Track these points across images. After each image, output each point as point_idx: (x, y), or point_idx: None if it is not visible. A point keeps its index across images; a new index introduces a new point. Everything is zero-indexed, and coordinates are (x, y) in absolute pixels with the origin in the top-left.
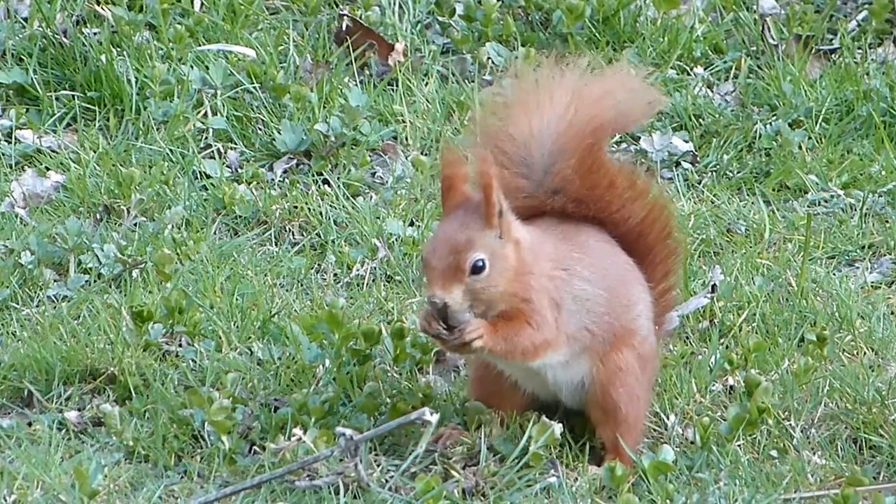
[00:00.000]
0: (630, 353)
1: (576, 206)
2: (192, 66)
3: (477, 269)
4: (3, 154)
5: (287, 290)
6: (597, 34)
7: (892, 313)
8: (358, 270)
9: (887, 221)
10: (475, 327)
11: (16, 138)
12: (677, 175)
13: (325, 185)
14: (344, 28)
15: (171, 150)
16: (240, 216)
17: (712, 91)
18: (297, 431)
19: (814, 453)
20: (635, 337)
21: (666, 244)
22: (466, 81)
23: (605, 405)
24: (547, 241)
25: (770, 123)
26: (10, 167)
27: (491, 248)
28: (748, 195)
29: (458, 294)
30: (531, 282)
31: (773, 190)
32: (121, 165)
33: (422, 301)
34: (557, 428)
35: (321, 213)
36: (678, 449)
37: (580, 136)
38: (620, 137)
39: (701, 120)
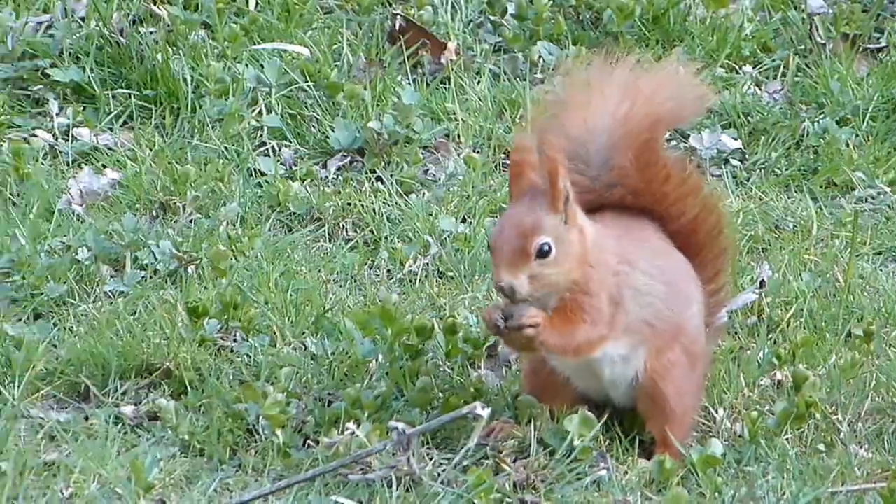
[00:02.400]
0: (681, 349)
1: (634, 198)
2: (246, 65)
3: (543, 253)
4: (61, 152)
5: (340, 286)
6: (646, 33)
7: None
8: (410, 266)
9: None
10: (534, 314)
11: (73, 136)
12: (726, 172)
13: (378, 183)
14: (397, 27)
15: (225, 148)
16: (294, 213)
17: (760, 89)
18: (351, 425)
19: (860, 447)
20: (688, 334)
21: (717, 243)
22: (518, 80)
23: (654, 398)
24: (610, 236)
25: (818, 121)
26: (68, 165)
27: (556, 232)
28: (796, 192)
29: (524, 278)
30: (593, 275)
31: (821, 187)
32: (176, 163)
33: (474, 297)
34: (593, 418)
35: (374, 210)
36: (727, 443)
37: (637, 131)
38: (670, 135)
39: (749, 118)
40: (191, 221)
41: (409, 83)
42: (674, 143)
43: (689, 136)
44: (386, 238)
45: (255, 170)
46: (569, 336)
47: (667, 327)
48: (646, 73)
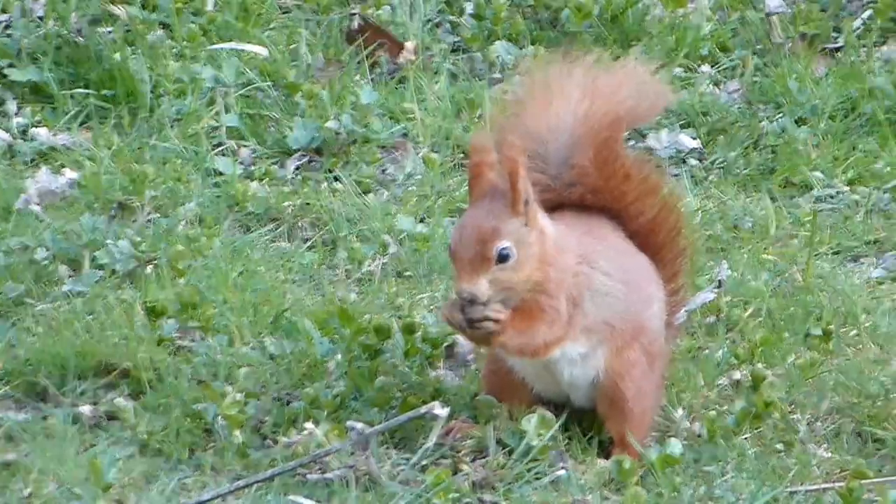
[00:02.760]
0: (640, 348)
1: (593, 197)
2: (205, 65)
3: (503, 258)
4: (19, 152)
5: (299, 286)
6: (605, 32)
7: None
8: (369, 266)
9: (892, 217)
10: (498, 308)
11: (31, 136)
12: (684, 172)
13: (337, 182)
14: (355, 27)
15: (184, 148)
16: (252, 212)
17: (719, 89)
18: (309, 425)
19: (819, 446)
20: (648, 334)
21: (676, 243)
22: (476, 79)
23: (614, 398)
24: (570, 236)
25: (776, 121)
26: (26, 164)
27: (517, 235)
28: (754, 191)
29: (485, 284)
30: (553, 275)
31: (779, 186)
32: (135, 163)
33: (432, 296)
34: (551, 417)
35: (332, 210)
36: (685, 442)
37: (597, 130)
38: (629, 134)
39: (708, 117)
40: (149, 221)
41: (368, 83)
42: (632, 142)
43: (647, 135)
44: (344, 237)
45: (213, 169)
46: (527, 337)
47: (627, 327)
48: (605, 72)
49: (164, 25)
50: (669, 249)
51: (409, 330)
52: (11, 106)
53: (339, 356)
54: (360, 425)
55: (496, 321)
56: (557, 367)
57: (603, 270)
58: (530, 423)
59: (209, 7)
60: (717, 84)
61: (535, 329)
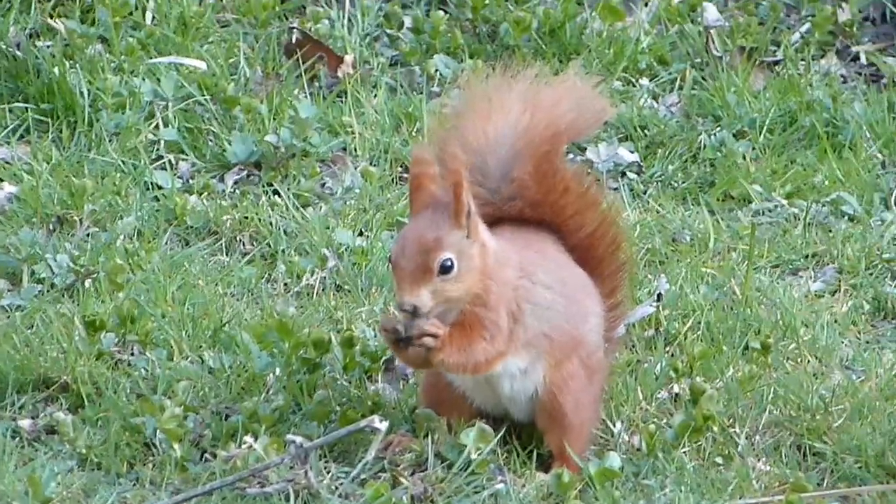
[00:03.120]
0: (579, 362)
1: (532, 211)
2: (143, 79)
3: (445, 269)
4: None
5: (238, 300)
6: (543, 46)
7: (836, 321)
8: (308, 280)
9: (830, 231)
10: (436, 323)
11: None
12: (623, 185)
13: (276, 196)
14: (294, 40)
15: (123, 162)
16: (191, 226)
17: (657, 102)
18: (248, 439)
19: (758, 460)
20: (586, 347)
21: (615, 257)
22: (415, 93)
23: (553, 412)
24: (511, 249)
25: (714, 134)
26: None
27: (459, 247)
28: (693, 205)
29: (427, 296)
30: (494, 289)
31: (718, 200)
32: (73, 177)
33: (371, 310)
34: (490, 431)
35: (271, 224)
36: (624, 456)
37: (537, 143)
38: (568, 148)
39: (646, 131)
40: (88, 235)
41: (306, 96)
42: (571, 155)
43: (585, 148)
44: (283, 251)
45: (152, 183)
46: (467, 353)
47: (565, 340)
48: (546, 86)
49: (103, 39)
50: (609, 264)
51: (347, 344)
52: None
53: (277, 370)
54: (299, 439)
55: (434, 336)
56: (498, 381)
57: (543, 284)
58: (469, 436)
59: (148, 21)
60: (655, 97)
61: (475, 345)
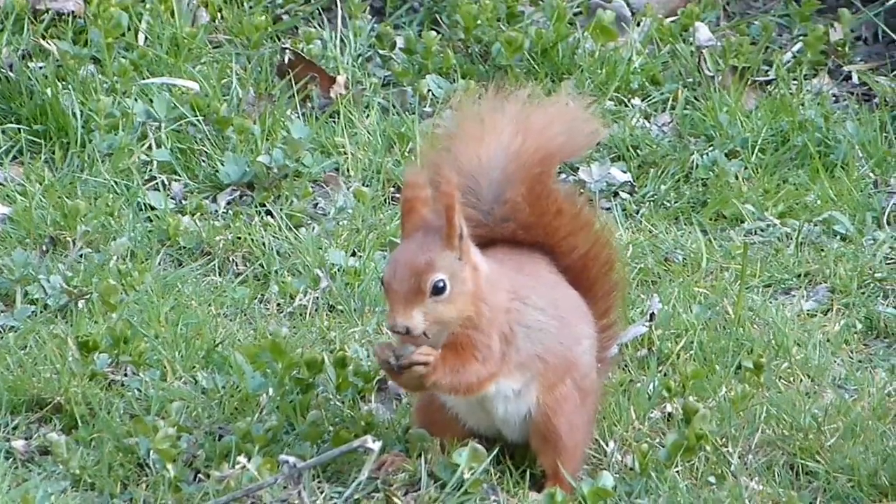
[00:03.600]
0: (572, 383)
1: (525, 233)
2: (136, 100)
3: (438, 290)
4: None
5: (231, 320)
6: (535, 66)
7: (828, 341)
8: (300, 300)
9: (822, 250)
10: (426, 352)
11: None
12: (615, 205)
13: (268, 216)
14: (286, 61)
15: (115, 183)
16: (184, 247)
17: (649, 122)
18: (241, 459)
19: (751, 479)
20: (579, 369)
21: (608, 278)
22: (407, 113)
23: (546, 433)
24: (503, 272)
25: (707, 154)
26: None
27: (451, 269)
28: (685, 224)
29: (420, 317)
30: (485, 311)
31: (710, 219)
32: (66, 198)
33: (364, 330)
34: (483, 451)
35: (264, 244)
36: (617, 475)
37: (529, 165)
38: (560, 168)
39: (638, 150)
40: (81, 256)
41: (299, 117)
42: (563, 175)
43: (578, 168)
44: (276, 272)
45: (144, 204)
46: (460, 375)
47: (559, 362)
48: (538, 108)
49: (96, 60)
50: (602, 285)
51: (340, 364)
52: None
53: (270, 390)
54: (292, 459)
55: (425, 364)
56: (492, 403)
57: (535, 306)
58: (462, 456)
59: (140, 42)
60: (647, 117)
61: (468, 367)
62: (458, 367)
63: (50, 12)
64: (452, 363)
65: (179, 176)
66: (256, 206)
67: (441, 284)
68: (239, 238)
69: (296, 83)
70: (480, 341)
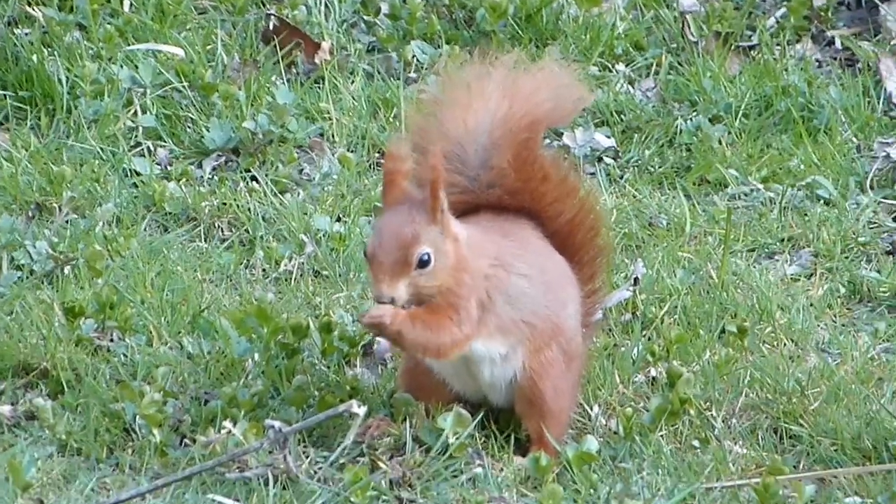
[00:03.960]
0: (558, 348)
1: (511, 198)
2: (121, 66)
3: (423, 263)
4: None
5: (216, 286)
6: (520, 31)
7: (812, 305)
8: (286, 266)
9: (806, 215)
10: (382, 311)
11: None
12: (599, 170)
13: (254, 182)
14: (271, 27)
15: (101, 149)
16: (169, 213)
17: (633, 87)
18: (227, 424)
19: (735, 443)
20: (565, 333)
21: (594, 244)
22: (392, 79)
23: (532, 398)
24: (486, 239)
25: (690, 119)
26: None
27: (435, 242)
28: (669, 189)
29: (404, 288)
30: (465, 279)
31: (694, 184)
32: (52, 164)
33: (349, 295)
34: (467, 415)
35: (249, 210)
36: (602, 439)
37: (516, 131)
38: (544, 134)
39: (622, 116)
40: (67, 222)
41: (284, 83)
42: (547, 141)
43: (562, 134)
44: (261, 237)
45: (130, 170)
46: (431, 334)
47: (545, 327)
48: (525, 74)
49: (81, 27)
50: (587, 250)
51: (326, 329)
52: None
53: (256, 355)
54: (277, 424)
55: (381, 324)
56: (478, 367)
57: (519, 272)
58: (447, 420)
59: (126, 8)
60: (631, 83)
61: (441, 328)
62: (432, 326)
63: None
64: (426, 322)
65: (165, 142)
66: (242, 172)
67: (426, 258)
68: (224, 204)
69: (281, 49)
70: (457, 305)
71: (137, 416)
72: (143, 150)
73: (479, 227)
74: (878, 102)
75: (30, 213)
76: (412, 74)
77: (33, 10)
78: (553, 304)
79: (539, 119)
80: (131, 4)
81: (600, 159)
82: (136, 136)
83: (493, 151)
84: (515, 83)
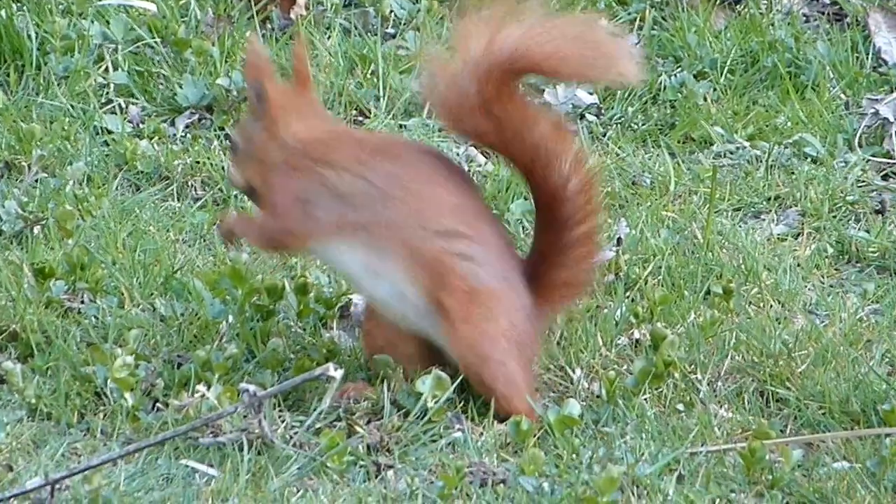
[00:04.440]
0: (461, 296)
1: (504, 147)
2: (92, 21)
3: (234, 149)
4: None
5: (189, 246)
6: None
7: (799, 265)
8: None
9: (793, 173)
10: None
11: None
12: (582, 128)
13: (227, 140)
14: None
15: (72, 106)
16: (142, 172)
17: None
18: (201, 388)
19: (720, 406)
20: (458, 277)
21: (587, 202)
22: (369, 35)
23: (473, 379)
24: (331, 143)
25: (675, 75)
26: None
27: (249, 134)
28: (653, 147)
29: (233, 171)
30: (284, 173)
31: (679, 142)
32: (21, 121)
33: None
34: (447, 378)
35: (223, 168)
36: (584, 403)
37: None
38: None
39: None
40: (36, 181)
41: (259, 39)
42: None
43: (543, 90)
44: (235, 197)
45: (101, 128)
46: (252, 226)
47: (410, 238)
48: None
49: None
50: (579, 209)
51: (301, 290)
52: None
53: (230, 318)
54: (252, 388)
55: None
56: (354, 282)
57: (357, 174)
58: (425, 384)
59: None
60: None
61: (261, 220)
62: (254, 220)
63: None
64: (251, 218)
65: (137, 99)
66: (215, 130)
67: (236, 144)
68: (197, 162)
69: (255, 4)
70: (273, 199)
71: (109, 380)
72: (114, 107)
73: (333, 133)
74: (867, 58)
75: None
76: (390, 30)
77: None
78: (415, 227)
79: (530, 58)
80: None
81: (582, 116)
82: (107, 94)
83: (480, 85)
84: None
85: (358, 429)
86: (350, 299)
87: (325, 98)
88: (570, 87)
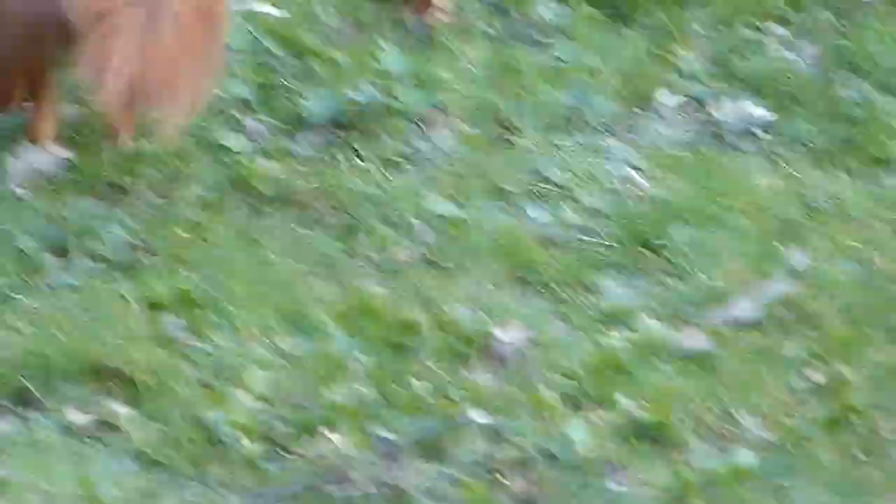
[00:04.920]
0: None
1: None
2: None
3: None
4: None
5: (315, 277)
6: None
7: None
8: (395, 254)
9: None
10: None
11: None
12: (752, 145)
13: (358, 159)
14: None
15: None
16: (263, 194)
17: (790, 52)
18: (328, 433)
19: None
20: None
21: None
22: (516, 43)
23: None
24: None
25: (856, 89)
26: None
27: None
28: (833, 168)
29: None
30: None
31: (860, 163)
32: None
33: (467, 288)
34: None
35: (354, 191)
36: (755, 452)
37: None
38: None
39: (778, 85)
40: (147, 204)
41: (392, 46)
42: (697, 115)
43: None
44: (367, 222)
45: (218, 145)
46: None
47: None
48: None
49: None
50: None
51: (440, 326)
52: None
53: (361, 356)
54: (388, 434)
55: None
56: None
57: None
58: (578, 430)
59: None
60: (788, 46)
61: None
62: None
63: None
64: None
65: (257, 113)
66: (346, 148)
67: None
68: (325, 184)
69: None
70: None
71: (226, 425)
72: (232, 122)
73: None
74: None
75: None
76: (539, 38)
77: None
78: None
79: None
80: None
81: (752, 133)
82: (225, 107)
83: None
84: None
85: (503, 479)
86: (492, 333)
87: (466, 114)
88: (741, 103)
